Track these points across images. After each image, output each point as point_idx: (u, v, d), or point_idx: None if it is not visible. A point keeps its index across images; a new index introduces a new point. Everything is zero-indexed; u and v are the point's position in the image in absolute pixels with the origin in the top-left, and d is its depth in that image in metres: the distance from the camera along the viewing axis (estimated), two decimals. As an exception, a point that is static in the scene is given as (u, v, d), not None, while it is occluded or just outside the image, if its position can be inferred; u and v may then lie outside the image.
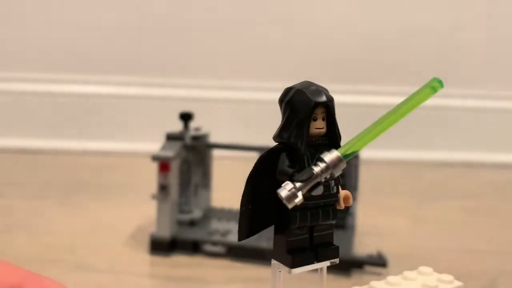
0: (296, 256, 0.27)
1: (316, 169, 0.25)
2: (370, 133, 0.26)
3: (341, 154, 0.25)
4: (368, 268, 0.61)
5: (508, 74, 1.20)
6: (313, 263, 0.27)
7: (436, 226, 0.79)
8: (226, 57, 1.17)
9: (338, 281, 0.59)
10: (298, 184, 0.25)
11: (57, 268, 0.60)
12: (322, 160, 0.25)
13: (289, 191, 0.25)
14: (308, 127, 0.26)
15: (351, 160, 0.71)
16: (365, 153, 0.82)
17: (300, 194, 0.25)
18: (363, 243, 0.68)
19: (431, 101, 1.10)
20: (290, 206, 0.25)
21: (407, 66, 1.16)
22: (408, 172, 1.10)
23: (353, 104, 1.11)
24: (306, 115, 0.26)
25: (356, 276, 0.60)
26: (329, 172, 0.25)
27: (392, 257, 0.62)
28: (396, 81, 1.14)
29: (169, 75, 1.17)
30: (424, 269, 0.29)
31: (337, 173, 0.25)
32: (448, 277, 0.28)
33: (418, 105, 0.26)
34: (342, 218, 0.69)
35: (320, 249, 0.27)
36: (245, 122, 1.13)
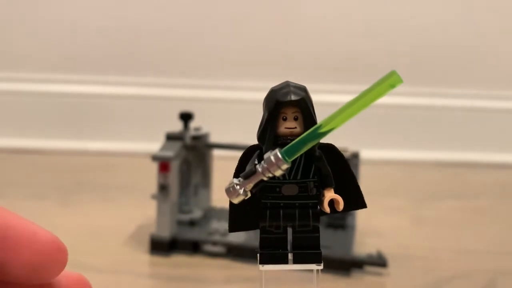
0: (265, 253, 0.27)
1: (258, 167, 0.25)
2: (315, 134, 0.24)
3: (281, 153, 0.25)
4: (368, 268, 0.61)
5: (508, 74, 1.20)
6: (286, 263, 0.27)
7: (436, 226, 0.79)
8: (226, 57, 1.17)
9: (338, 281, 0.59)
10: (240, 180, 0.25)
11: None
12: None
13: (229, 186, 0.25)
14: (274, 126, 0.26)
15: (351, 160, 0.71)
16: (365, 153, 0.82)
17: (242, 191, 0.25)
18: (363, 243, 0.68)
19: (431, 101, 1.09)
20: (232, 201, 0.25)
21: (407, 66, 1.16)
22: (408, 172, 1.10)
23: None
24: (271, 115, 0.26)
25: (356, 276, 0.60)
26: (270, 171, 0.25)
27: (392, 257, 0.62)
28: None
29: (169, 75, 1.17)
30: None
31: (277, 173, 0.25)
32: None
33: (369, 104, 0.24)
34: (342, 218, 0.69)
35: (300, 252, 0.27)
36: (245, 122, 1.13)
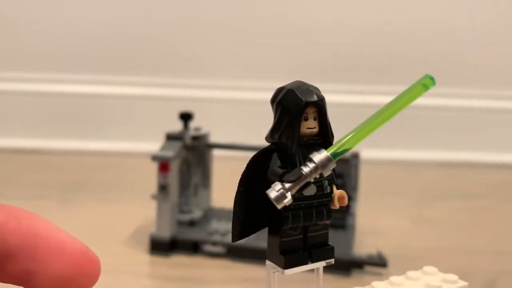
0: (289, 257, 0.27)
1: (305, 170, 0.25)
2: (360, 132, 0.25)
3: (330, 154, 0.25)
4: (368, 268, 0.61)
5: (508, 74, 1.20)
6: (307, 263, 0.27)
7: (436, 226, 0.79)
8: (226, 57, 1.17)
9: (338, 281, 0.59)
10: (287, 185, 0.25)
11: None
12: (311, 160, 0.25)
13: (277, 191, 0.25)
14: (299, 127, 0.26)
15: (351, 160, 0.71)
16: (365, 153, 0.82)
17: (289, 195, 0.25)
18: (363, 243, 0.68)
19: (431, 101, 1.09)
20: (279, 206, 0.25)
21: (407, 65, 1.16)
22: (408, 172, 1.10)
23: (353, 104, 1.11)
24: (296, 115, 0.26)
25: (356, 276, 0.60)
26: (318, 172, 0.25)
27: (392, 257, 0.62)
28: (395, 81, 1.14)
29: (169, 75, 1.17)
30: (428, 268, 0.29)
31: (326, 173, 0.25)
32: (452, 276, 0.28)
33: (409, 103, 0.25)
34: (342, 218, 0.69)
35: (315, 250, 0.27)
36: (245, 122, 1.13)
